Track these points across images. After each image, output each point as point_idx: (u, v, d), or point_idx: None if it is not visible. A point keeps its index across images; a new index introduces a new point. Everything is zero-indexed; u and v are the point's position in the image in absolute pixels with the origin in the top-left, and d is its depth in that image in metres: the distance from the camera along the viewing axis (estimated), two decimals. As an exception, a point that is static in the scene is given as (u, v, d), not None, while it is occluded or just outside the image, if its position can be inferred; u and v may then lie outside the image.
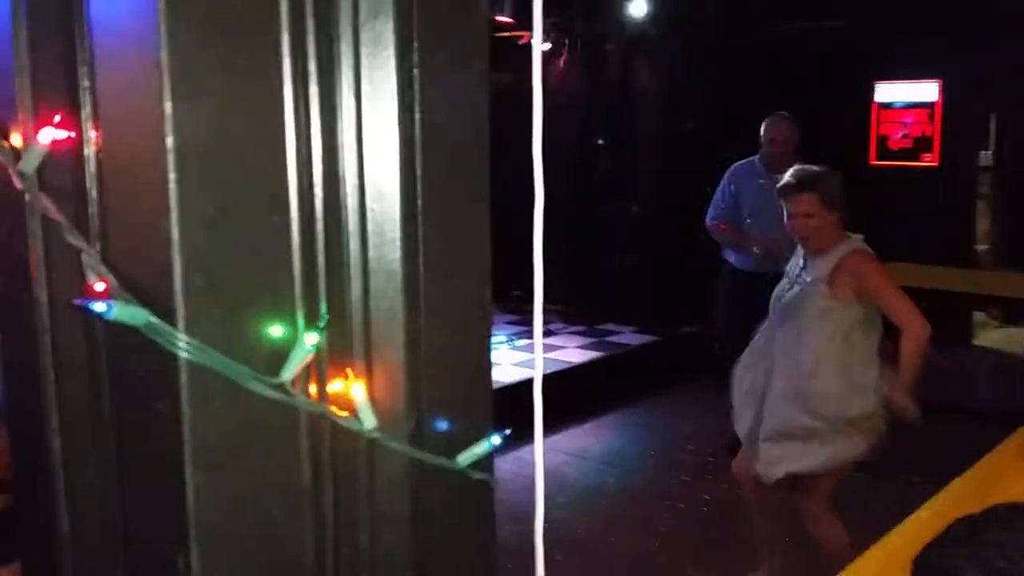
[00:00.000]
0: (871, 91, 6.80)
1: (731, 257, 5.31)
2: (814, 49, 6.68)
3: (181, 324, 1.02)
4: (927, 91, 6.66)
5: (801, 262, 3.39)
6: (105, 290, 1.04)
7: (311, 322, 1.13)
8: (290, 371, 1.09)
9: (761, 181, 4.92)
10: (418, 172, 1.19)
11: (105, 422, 1.19)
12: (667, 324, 7.22)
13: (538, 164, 1.00)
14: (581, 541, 4.20)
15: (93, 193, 1.15)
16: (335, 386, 1.18)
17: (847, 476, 3.32)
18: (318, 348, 1.13)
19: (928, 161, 6.67)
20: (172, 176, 1.01)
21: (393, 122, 1.17)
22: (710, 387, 4.95)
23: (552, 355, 6.55)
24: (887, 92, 6.81)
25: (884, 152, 6.84)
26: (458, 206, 1.27)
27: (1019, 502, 1.33)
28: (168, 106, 1.00)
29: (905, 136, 6.77)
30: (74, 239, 1.09)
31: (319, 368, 1.16)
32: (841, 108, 6.63)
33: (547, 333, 7.14)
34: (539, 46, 1.00)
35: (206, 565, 1.06)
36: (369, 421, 1.17)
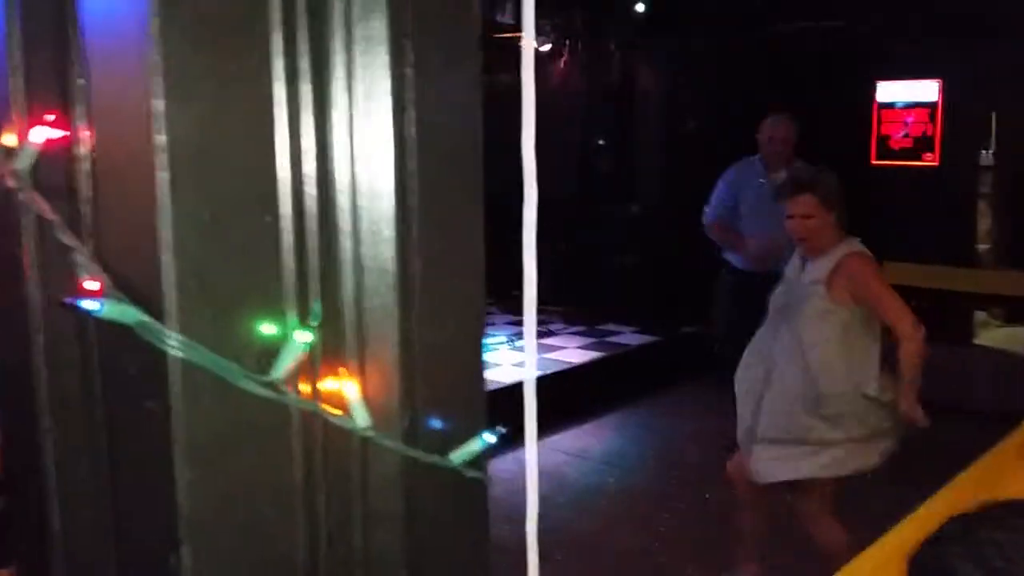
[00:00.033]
0: (872, 91, 6.78)
1: (731, 257, 5.31)
2: (814, 49, 6.67)
3: (172, 322, 1.02)
4: (928, 91, 6.65)
5: (800, 263, 3.38)
6: (97, 289, 1.05)
7: (303, 321, 1.13)
8: (281, 369, 1.09)
9: (760, 180, 4.93)
10: (412, 171, 1.19)
11: (97, 420, 1.19)
12: (667, 324, 7.22)
13: (529, 163, 1.00)
14: (581, 541, 4.19)
15: (86, 192, 1.15)
16: (328, 384, 1.18)
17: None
18: (311, 346, 1.13)
19: (929, 161, 6.65)
20: (164, 175, 1.01)
21: (387, 121, 1.17)
22: (710, 387, 4.94)
23: (552, 355, 6.55)
24: (888, 92, 6.80)
25: (885, 152, 6.83)
26: (452, 204, 1.27)
27: (1013, 500, 1.32)
28: (160, 105, 1.00)
29: (906, 136, 6.76)
30: (67, 238, 1.09)
31: (312, 366, 1.16)
32: (841, 108, 6.62)
33: (548, 333, 7.14)
34: (530, 45, 1.00)
35: (197, 563, 1.06)
36: (362, 419, 1.17)
